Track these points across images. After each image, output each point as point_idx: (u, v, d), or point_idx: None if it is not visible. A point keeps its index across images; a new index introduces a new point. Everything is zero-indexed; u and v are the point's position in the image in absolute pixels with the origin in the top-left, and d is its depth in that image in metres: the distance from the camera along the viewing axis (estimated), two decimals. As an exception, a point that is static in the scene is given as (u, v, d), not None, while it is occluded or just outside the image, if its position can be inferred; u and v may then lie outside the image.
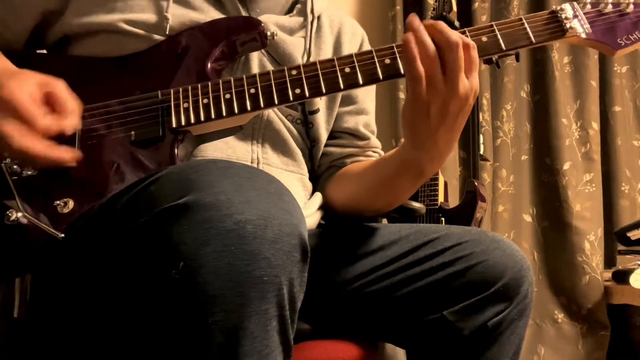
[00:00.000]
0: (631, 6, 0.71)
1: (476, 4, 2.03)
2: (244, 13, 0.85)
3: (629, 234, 1.81)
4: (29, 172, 0.65)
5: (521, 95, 2.16)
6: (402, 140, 0.78)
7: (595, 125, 2.15)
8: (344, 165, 0.95)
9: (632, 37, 0.70)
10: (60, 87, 0.65)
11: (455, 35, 0.66)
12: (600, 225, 2.10)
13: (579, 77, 2.15)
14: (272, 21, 0.86)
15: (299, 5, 0.91)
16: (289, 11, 0.91)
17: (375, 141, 1.00)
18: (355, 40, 0.98)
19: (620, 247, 1.94)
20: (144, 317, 0.55)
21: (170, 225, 0.50)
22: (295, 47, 0.88)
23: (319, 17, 0.93)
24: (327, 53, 0.93)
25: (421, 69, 0.66)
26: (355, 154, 0.96)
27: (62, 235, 0.61)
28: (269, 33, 0.79)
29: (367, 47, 0.99)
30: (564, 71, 2.15)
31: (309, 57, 0.89)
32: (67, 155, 0.64)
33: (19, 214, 0.60)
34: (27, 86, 0.63)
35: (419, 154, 0.75)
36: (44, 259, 0.63)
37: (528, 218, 2.14)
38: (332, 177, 0.95)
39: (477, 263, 0.77)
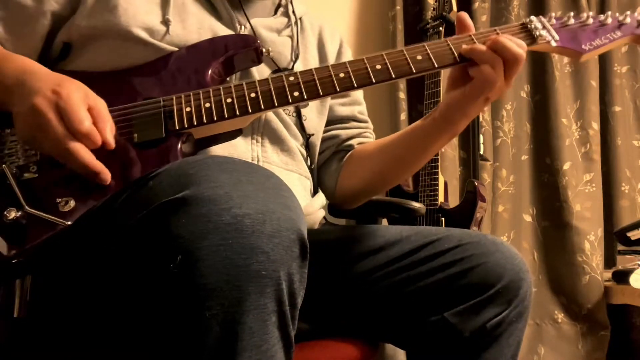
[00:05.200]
0: (590, 19, 0.82)
1: (476, 4, 2.03)
2: (236, 17, 0.88)
3: (629, 234, 1.81)
4: (31, 175, 0.65)
5: (521, 95, 2.16)
6: (438, 110, 0.83)
7: (595, 125, 2.15)
8: (351, 148, 1.00)
9: (594, 43, 0.80)
10: (103, 105, 0.67)
11: (521, 51, 0.75)
12: (600, 225, 2.10)
13: (579, 77, 2.15)
14: (259, 24, 0.90)
15: (282, 9, 0.97)
16: (274, 14, 0.96)
17: (371, 125, 1.07)
18: (335, 41, 1.05)
19: (620, 247, 1.94)
20: (143, 313, 0.56)
21: (168, 219, 0.50)
22: (284, 46, 0.93)
23: (301, 19, 0.99)
24: (312, 51, 0.99)
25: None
26: (359, 135, 1.03)
27: (69, 223, 0.61)
28: (264, 50, 0.83)
29: (346, 49, 1.07)
30: (564, 71, 2.15)
31: (297, 54, 0.93)
32: (106, 174, 0.64)
33: (19, 213, 0.60)
34: (81, 92, 0.66)
35: (458, 124, 0.82)
36: (46, 257, 0.63)
37: (528, 218, 2.14)
38: (343, 160, 0.99)
39: (477, 265, 0.78)
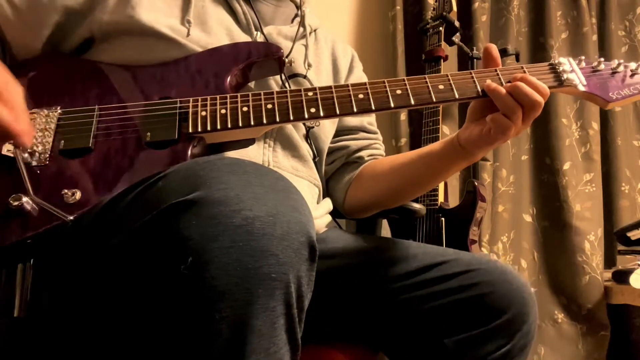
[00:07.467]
0: (622, 67, 0.80)
1: (476, 4, 2.03)
2: (254, 23, 0.89)
3: (629, 234, 1.81)
4: (41, 163, 0.66)
5: (521, 95, 2.16)
6: (458, 139, 0.84)
7: (595, 125, 2.15)
8: (362, 161, 1.01)
9: (622, 93, 0.79)
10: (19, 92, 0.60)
11: (540, 97, 0.75)
12: (600, 225, 2.10)
13: (579, 77, 2.15)
14: (276, 31, 0.91)
15: (298, 18, 0.97)
16: (291, 23, 0.97)
17: (380, 137, 1.07)
18: (347, 55, 1.07)
19: (620, 247, 1.94)
20: (150, 314, 0.55)
21: (178, 221, 0.50)
22: (299, 53, 0.93)
23: (315, 31, 1.00)
24: (326, 63, 1.00)
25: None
26: (369, 146, 1.03)
27: (71, 218, 0.61)
28: (287, 60, 0.83)
29: (358, 62, 1.08)
30: (564, 71, 2.15)
31: (310, 63, 0.94)
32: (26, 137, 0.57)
33: (24, 199, 0.60)
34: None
35: (477, 156, 0.84)
36: (48, 252, 0.63)
37: (528, 218, 2.14)
38: (354, 174, 1.00)
39: (483, 294, 0.77)
